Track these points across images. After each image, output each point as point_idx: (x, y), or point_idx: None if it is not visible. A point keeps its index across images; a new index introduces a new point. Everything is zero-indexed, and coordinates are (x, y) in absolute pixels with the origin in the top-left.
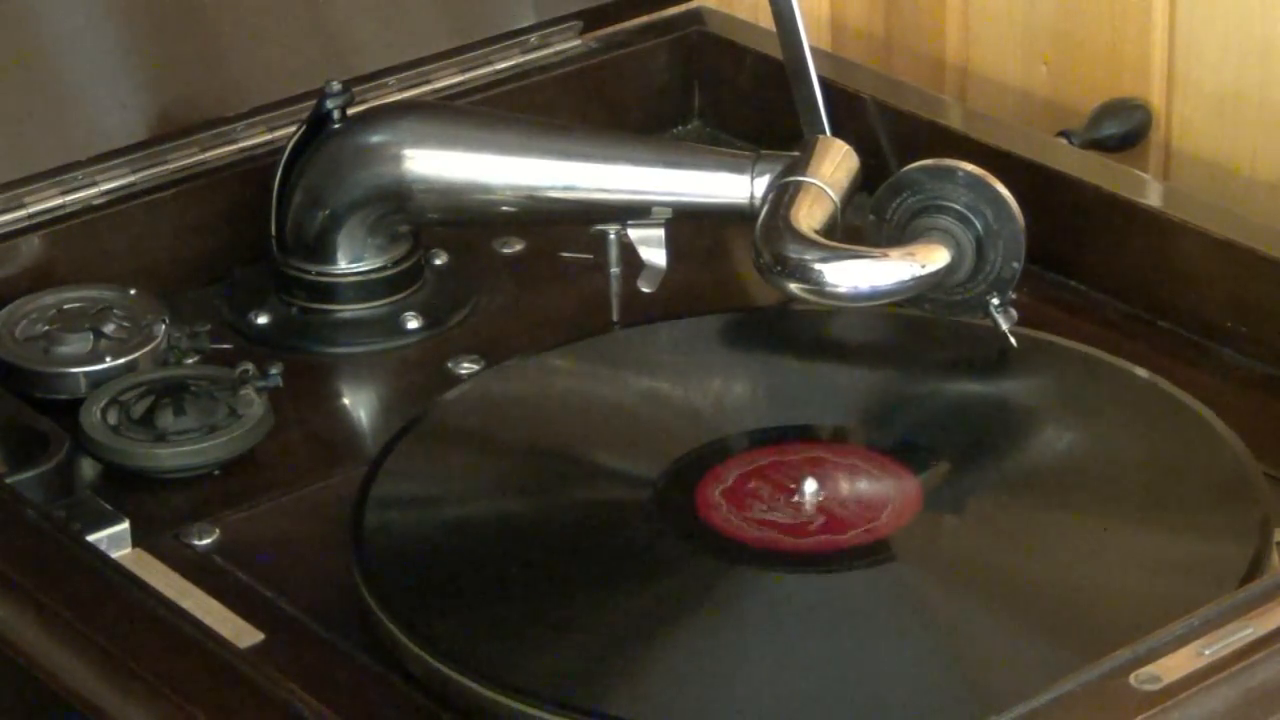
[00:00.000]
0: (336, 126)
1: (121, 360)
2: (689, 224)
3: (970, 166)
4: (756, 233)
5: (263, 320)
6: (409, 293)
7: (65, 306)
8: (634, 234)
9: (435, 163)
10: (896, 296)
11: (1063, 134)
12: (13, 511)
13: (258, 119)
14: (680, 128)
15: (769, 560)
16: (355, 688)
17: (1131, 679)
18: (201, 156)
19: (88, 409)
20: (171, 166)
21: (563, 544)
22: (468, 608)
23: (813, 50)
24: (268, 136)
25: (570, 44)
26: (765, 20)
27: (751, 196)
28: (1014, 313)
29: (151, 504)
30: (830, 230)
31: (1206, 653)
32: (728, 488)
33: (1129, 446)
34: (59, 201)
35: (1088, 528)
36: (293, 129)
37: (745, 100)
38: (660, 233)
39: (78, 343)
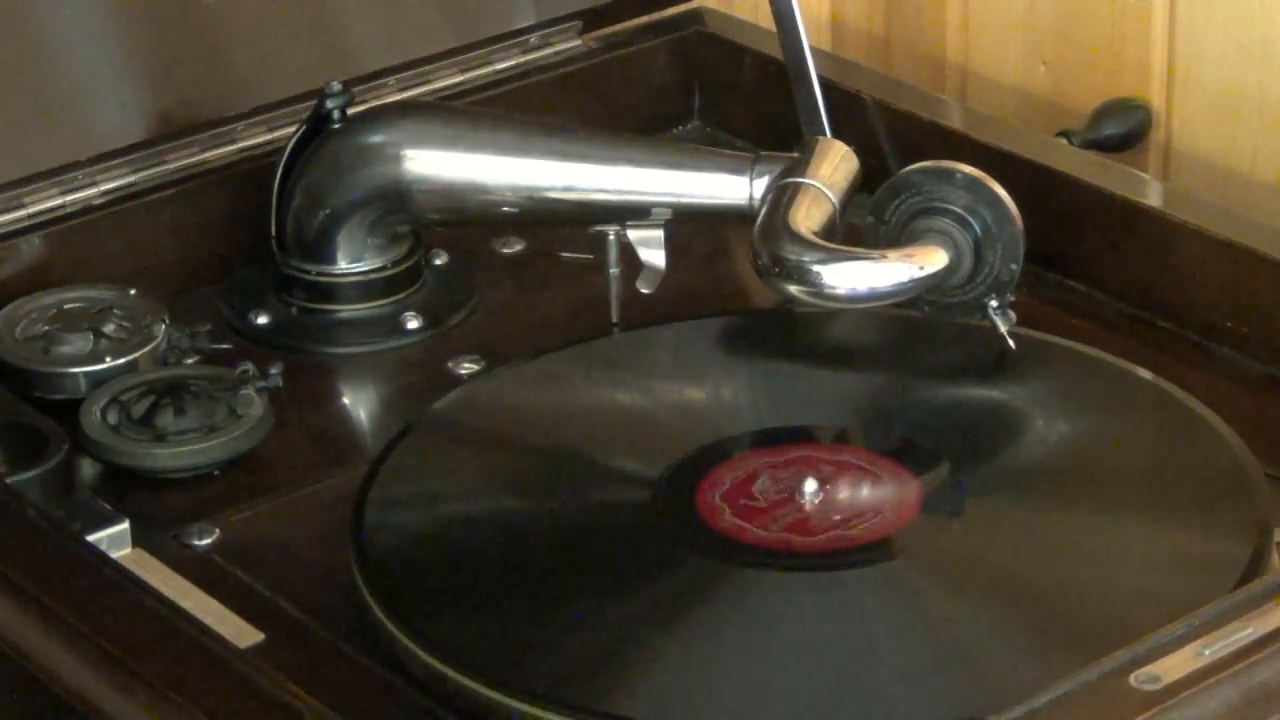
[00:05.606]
0: (336, 126)
1: (121, 360)
2: (689, 224)
3: (969, 168)
4: (755, 234)
5: (263, 320)
6: (409, 293)
7: (65, 306)
8: (633, 235)
9: (435, 163)
10: (895, 298)
11: (1063, 134)
12: (13, 511)
13: (258, 119)
14: (680, 128)
15: (769, 560)
16: (355, 688)
17: (1131, 679)
18: (201, 156)
19: (88, 409)
20: (171, 166)
21: (563, 544)
22: (468, 608)
23: (813, 50)
24: (268, 136)
25: (570, 44)
26: (765, 20)
27: (751, 197)
28: (1012, 315)
29: (151, 504)
30: (829, 232)
31: (1206, 653)
32: (728, 488)
33: (1129, 447)
34: (59, 201)
35: (1087, 528)
36: (293, 129)
37: (745, 100)
38: (660, 233)
39: (78, 343)
